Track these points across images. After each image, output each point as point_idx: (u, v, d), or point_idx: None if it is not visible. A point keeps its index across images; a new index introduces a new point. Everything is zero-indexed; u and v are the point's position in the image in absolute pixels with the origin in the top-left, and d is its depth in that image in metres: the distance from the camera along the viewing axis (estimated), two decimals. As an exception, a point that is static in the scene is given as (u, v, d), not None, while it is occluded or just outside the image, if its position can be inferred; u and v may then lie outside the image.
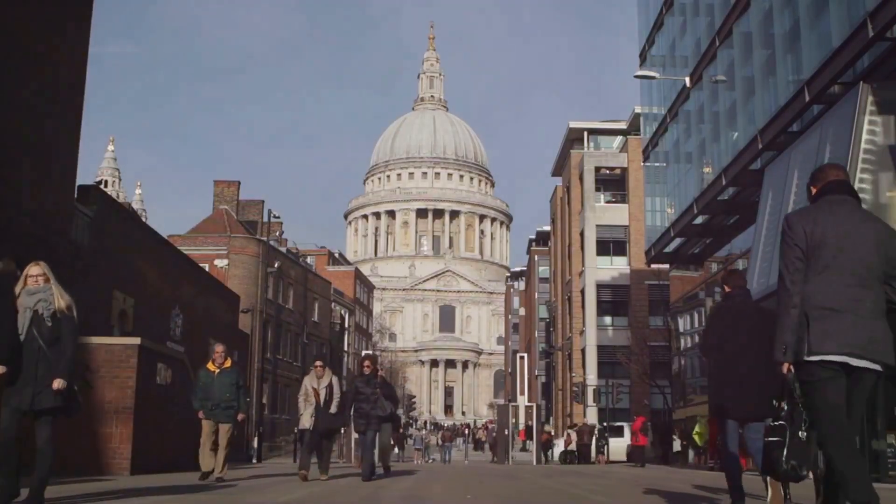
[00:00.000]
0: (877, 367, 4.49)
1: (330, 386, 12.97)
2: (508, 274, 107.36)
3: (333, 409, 12.87)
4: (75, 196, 19.62)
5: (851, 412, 4.55)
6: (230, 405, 12.56)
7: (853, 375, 4.49)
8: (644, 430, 31.78)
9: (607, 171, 49.43)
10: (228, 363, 12.76)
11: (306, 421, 12.89)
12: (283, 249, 65.31)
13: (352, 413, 12.98)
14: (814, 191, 4.93)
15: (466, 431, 50.75)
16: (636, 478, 15.67)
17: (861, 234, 4.59)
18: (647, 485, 13.04)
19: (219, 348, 12.82)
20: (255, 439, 38.63)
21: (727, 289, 7.02)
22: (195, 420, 12.68)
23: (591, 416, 43.93)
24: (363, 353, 16.64)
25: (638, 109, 41.03)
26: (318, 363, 13.41)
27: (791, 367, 4.59)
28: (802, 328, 4.53)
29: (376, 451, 14.69)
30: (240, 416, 12.82)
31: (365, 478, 12.43)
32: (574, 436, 41.44)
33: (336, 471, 16.01)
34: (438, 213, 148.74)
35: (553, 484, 12.95)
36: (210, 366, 12.72)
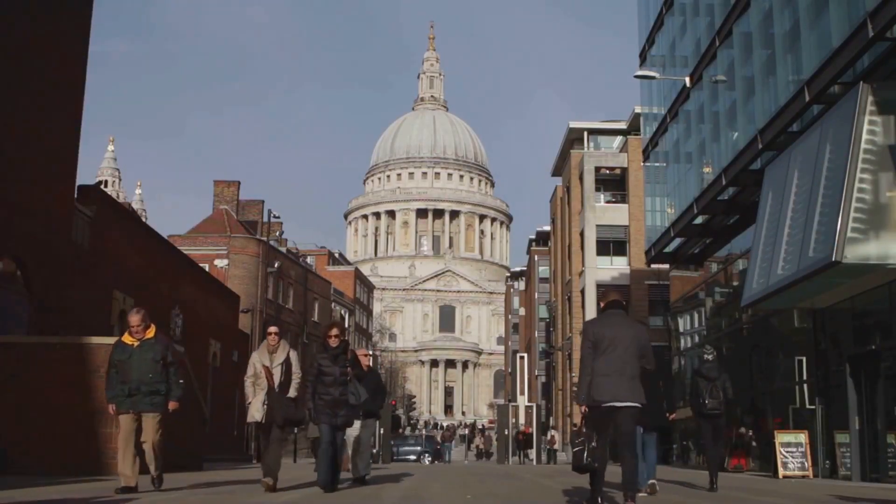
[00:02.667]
0: (634, 404, 7.94)
1: (287, 363, 10.02)
2: (508, 274, 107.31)
3: (292, 394, 9.96)
4: (75, 196, 19.62)
5: (621, 430, 7.97)
6: (154, 389, 9.52)
7: (619, 411, 7.90)
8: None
9: (607, 171, 49.40)
10: (151, 333, 9.64)
11: (256, 411, 9.89)
12: (283, 249, 65.31)
13: (313, 401, 10.04)
14: (602, 305, 8.52)
15: (466, 432, 50.48)
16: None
17: (624, 333, 8.08)
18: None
19: (134, 318, 9.66)
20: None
21: None
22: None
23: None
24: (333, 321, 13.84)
25: (638, 109, 40.99)
26: (273, 330, 10.16)
27: (586, 407, 8.08)
28: (592, 385, 7.94)
29: (348, 451, 12.10)
30: (171, 405, 9.69)
31: (323, 485, 9.96)
32: (557, 436, 41.41)
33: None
34: (438, 213, 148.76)
35: (553, 484, 12.93)
36: (126, 338, 9.70)
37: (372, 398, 11.40)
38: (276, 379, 9.87)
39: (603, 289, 7.54)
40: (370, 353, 13.43)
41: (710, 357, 12.49)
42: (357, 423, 11.50)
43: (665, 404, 11.30)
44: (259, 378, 9.94)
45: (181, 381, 9.80)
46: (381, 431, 31.73)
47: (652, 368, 8.29)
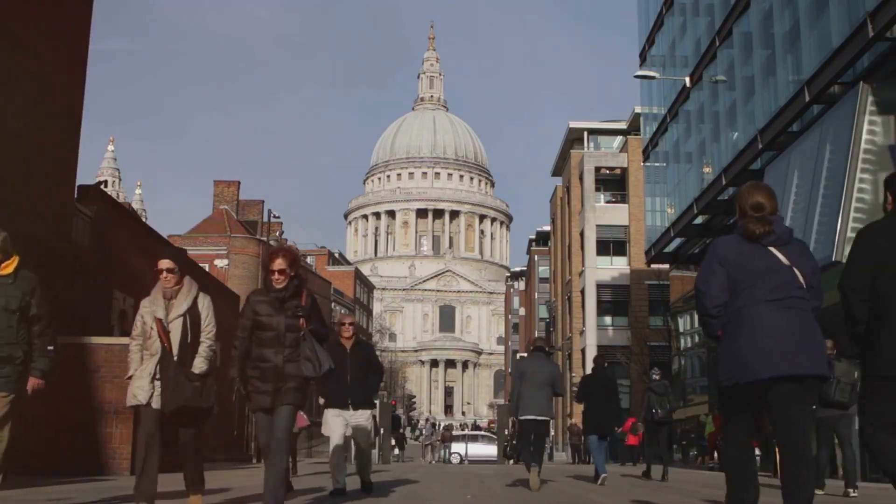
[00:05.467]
0: (547, 418, 11.17)
1: (192, 315, 6.57)
2: (508, 274, 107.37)
3: (200, 366, 6.47)
4: (75, 196, 19.62)
5: (538, 435, 11.14)
6: (6, 355, 6.14)
7: (539, 423, 11.11)
8: (634, 430, 31.84)
9: (607, 171, 49.42)
10: (10, 267, 6.22)
11: (140, 390, 6.41)
12: (283, 249, 65.24)
13: (240, 372, 6.35)
14: (532, 347, 11.85)
15: (465, 431, 50.53)
16: (634, 477, 15.66)
17: (542, 369, 11.17)
18: (644, 484, 13.06)
19: None
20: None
21: (594, 365, 14.17)
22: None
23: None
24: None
25: (638, 109, 41.02)
26: (166, 265, 6.70)
27: (516, 419, 11.52)
28: (519, 404, 11.03)
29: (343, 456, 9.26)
30: (31, 383, 6.33)
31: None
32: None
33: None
34: (438, 213, 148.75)
35: (552, 484, 12.94)
36: None
37: (361, 379, 9.05)
38: (176, 340, 6.46)
39: (533, 340, 12.10)
40: (354, 320, 9.78)
41: (657, 377, 15.58)
42: (336, 417, 8.93)
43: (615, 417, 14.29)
44: (149, 338, 6.52)
45: (51, 347, 6.39)
46: (382, 431, 31.59)
47: (562, 394, 11.91)
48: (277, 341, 6.23)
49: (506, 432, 38.83)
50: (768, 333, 4.40)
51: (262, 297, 6.39)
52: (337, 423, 9.02)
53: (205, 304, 6.69)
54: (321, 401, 9.44)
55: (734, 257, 4.64)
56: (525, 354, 13.33)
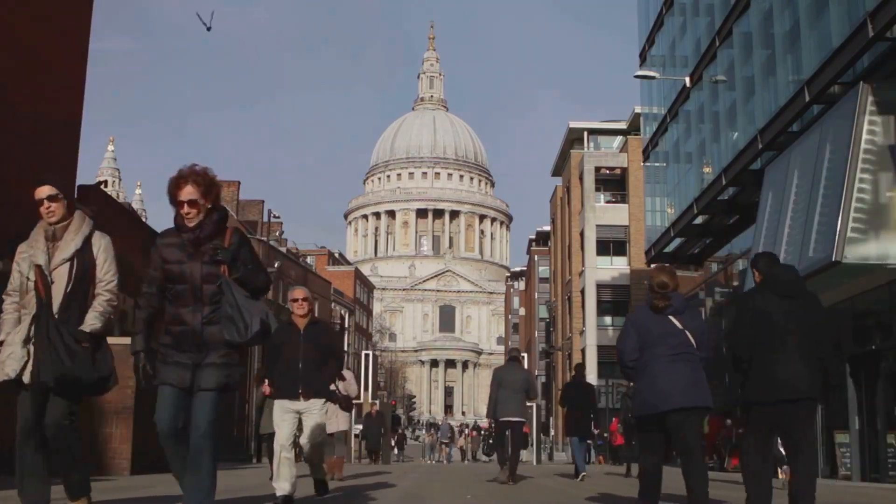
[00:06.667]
0: (520, 419, 12.54)
1: (81, 260, 5.18)
2: (508, 274, 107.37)
3: (92, 323, 5.13)
4: (75, 196, 19.62)
5: (514, 436, 12.52)
6: None
7: (512, 424, 12.47)
8: (621, 430, 31.81)
9: (607, 171, 49.40)
10: None
11: (12, 360, 5.02)
12: (283, 249, 65.28)
13: (143, 335, 4.97)
14: (508, 356, 13.38)
15: (465, 431, 50.54)
16: (632, 479, 15.67)
17: (517, 376, 12.61)
18: (636, 483, 13.02)
19: None
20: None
21: (573, 373, 15.53)
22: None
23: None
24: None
25: (638, 109, 41.00)
26: (46, 192, 5.35)
27: (493, 421, 12.92)
28: (497, 408, 12.40)
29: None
30: None
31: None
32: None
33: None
34: (438, 213, 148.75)
35: (552, 484, 12.95)
36: None
37: (315, 365, 7.50)
38: (60, 291, 5.04)
39: (509, 350, 15.06)
40: (308, 295, 7.84)
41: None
42: (285, 413, 7.52)
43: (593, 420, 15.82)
44: (29, 293, 5.11)
45: None
46: (383, 431, 31.51)
47: (536, 398, 13.42)
48: (194, 297, 4.82)
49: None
50: (666, 380, 6.09)
51: (170, 240, 4.92)
52: (285, 421, 7.48)
53: (102, 247, 5.23)
54: (266, 390, 8.81)
55: (643, 323, 6.30)
56: (527, 357, 14.29)
